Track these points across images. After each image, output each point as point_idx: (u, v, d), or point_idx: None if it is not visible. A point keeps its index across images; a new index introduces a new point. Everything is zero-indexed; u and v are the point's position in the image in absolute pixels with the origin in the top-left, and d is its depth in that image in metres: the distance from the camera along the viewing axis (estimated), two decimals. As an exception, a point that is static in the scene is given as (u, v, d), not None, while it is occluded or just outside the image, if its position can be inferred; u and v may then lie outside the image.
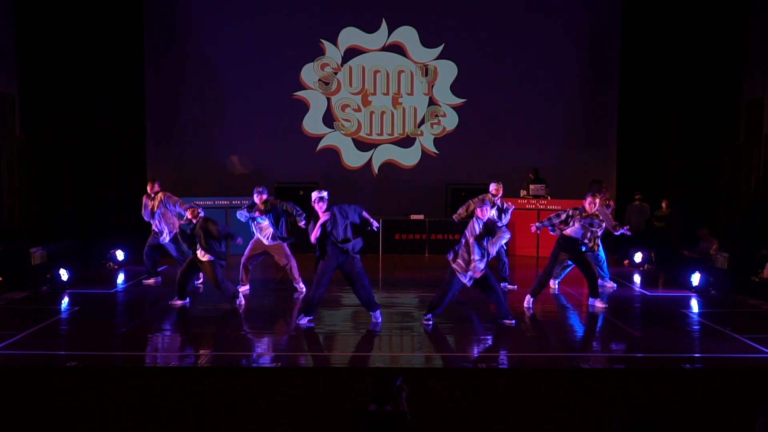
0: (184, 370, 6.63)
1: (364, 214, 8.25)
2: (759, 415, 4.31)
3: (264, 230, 9.87)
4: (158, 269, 10.94)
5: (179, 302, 9.17)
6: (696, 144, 15.10)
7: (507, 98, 15.91)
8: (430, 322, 8.21)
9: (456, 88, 16.00)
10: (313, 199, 8.13)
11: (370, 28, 15.96)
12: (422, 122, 16.10)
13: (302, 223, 9.57)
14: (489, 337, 8.00)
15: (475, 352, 7.50)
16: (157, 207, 10.39)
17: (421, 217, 14.24)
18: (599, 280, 10.00)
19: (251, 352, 7.45)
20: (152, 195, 10.46)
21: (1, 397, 6.27)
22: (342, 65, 15.99)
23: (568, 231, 9.03)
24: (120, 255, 12.22)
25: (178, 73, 15.82)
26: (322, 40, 15.94)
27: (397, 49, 16.00)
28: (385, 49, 16.00)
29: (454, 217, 10.53)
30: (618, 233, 9.63)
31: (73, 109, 14.69)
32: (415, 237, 14.05)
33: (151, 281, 10.65)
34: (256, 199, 9.83)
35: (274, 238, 9.84)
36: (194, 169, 15.74)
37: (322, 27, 15.88)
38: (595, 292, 9.17)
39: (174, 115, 15.92)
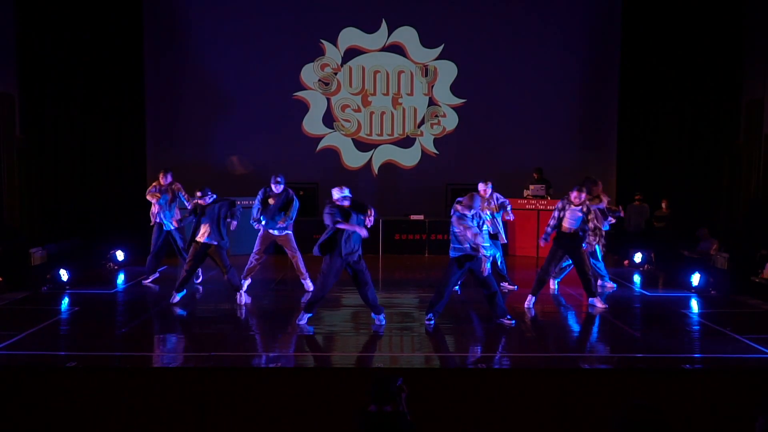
0: (184, 371, 6.63)
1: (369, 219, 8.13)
2: (759, 415, 4.31)
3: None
4: (159, 269, 10.95)
5: (178, 296, 9.18)
6: (696, 144, 15.11)
7: (507, 98, 15.91)
8: (432, 322, 8.21)
9: (456, 89, 16.00)
10: (336, 198, 8.01)
11: (370, 28, 15.97)
12: (422, 122, 16.10)
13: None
14: (489, 337, 8.00)
15: (475, 352, 7.51)
16: (175, 198, 10.56)
17: (421, 217, 14.24)
18: (599, 281, 10.01)
19: (251, 353, 7.44)
20: (165, 186, 10.55)
21: (1, 397, 6.27)
22: (342, 65, 15.99)
23: (565, 225, 9.05)
24: (120, 255, 12.21)
25: (178, 73, 15.82)
26: (322, 41, 15.94)
27: (397, 49, 16.00)
28: (385, 49, 16.00)
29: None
30: (609, 221, 9.59)
31: (73, 109, 14.70)
32: (415, 237, 14.06)
33: (150, 282, 10.65)
34: (276, 188, 9.76)
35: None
36: (194, 169, 15.69)
37: (322, 27, 15.88)
38: (591, 292, 9.16)
39: (174, 115, 15.92)
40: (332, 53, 15.97)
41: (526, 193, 14.04)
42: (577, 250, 9.03)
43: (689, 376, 6.49)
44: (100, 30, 14.85)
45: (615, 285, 10.48)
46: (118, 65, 15.10)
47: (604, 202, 9.66)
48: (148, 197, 10.63)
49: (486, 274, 8.00)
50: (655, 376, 6.49)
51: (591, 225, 9.16)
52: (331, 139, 16.11)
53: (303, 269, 10.07)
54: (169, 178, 10.72)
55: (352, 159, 16.15)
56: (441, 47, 15.92)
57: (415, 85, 16.04)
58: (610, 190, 15.78)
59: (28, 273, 10.90)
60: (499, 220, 10.05)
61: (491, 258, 8.08)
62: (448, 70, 15.98)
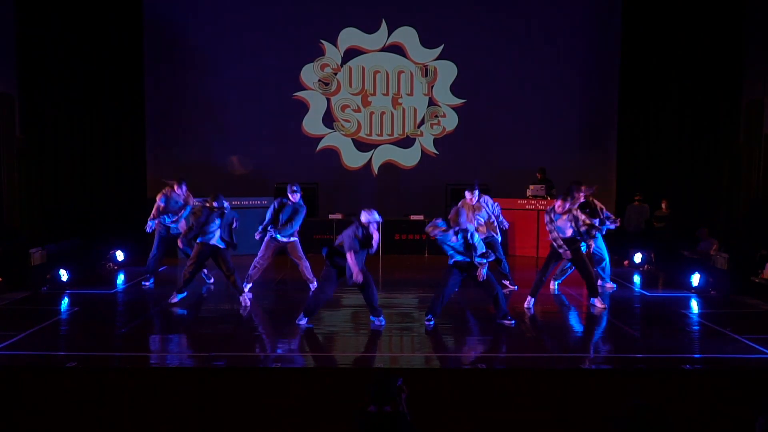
0: (184, 371, 6.63)
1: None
2: (759, 415, 4.32)
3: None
4: (159, 270, 10.94)
5: (178, 296, 9.17)
6: (696, 144, 15.11)
7: (507, 99, 15.92)
8: (431, 322, 8.21)
9: (456, 89, 16.00)
10: (367, 220, 7.88)
11: (370, 28, 15.97)
12: (422, 123, 16.10)
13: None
14: (489, 338, 8.00)
15: (475, 352, 7.51)
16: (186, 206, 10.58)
17: (421, 217, 14.24)
18: (599, 281, 10.01)
19: (251, 353, 7.44)
20: (180, 193, 10.51)
21: (1, 397, 6.27)
22: (342, 66, 15.99)
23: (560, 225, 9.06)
24: (120, 255, 12.21)
25: (178, 73, 15.82)
26: (322, 41, 15.94)
27: (396, 49, 16.00)
28: (384, 49, 16.00)
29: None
30: (603, 230, 9.57)
31: (73, 109, 14.71)
32: (415, 237, 14.06)
33: (149, 283, 10.62)
34: (293, 198, 9.76)
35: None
36: (194, 170, 15.67)
37: (321, 27, 15.88)
38: (594, 292, 9.17)
39: (174, 116, 15.91)
40: (332, 53, 15.97)
41: (528, 192, 14.03)
42: (575, 254, 9.04)
43: (689, 376, 6.49)
44: (100, 30, 14.86)
45: (615, 285, 10.48)
46: (118, 65, 15.10)
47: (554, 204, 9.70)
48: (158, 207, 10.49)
49: (482, 279, 8.04)
50: (655, 376, 6.49)
51: (583, 228, 9.13)
52: (331, 140, 16.11)
53: (310, 275, 10.03)
54: (184, 188, 10.62)
55: (352, 159, 16.15)
56: (441, 47, 15.92)
57: (415, 85, 16.04)
58: (610, 190, 15.81)
59: (27, 273, 10.89)
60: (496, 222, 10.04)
61: (487, 263, 8.09)
62: (448, 71, 15.98)
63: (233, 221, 9.29)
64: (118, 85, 15.16)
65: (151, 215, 10.52)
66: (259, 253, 9.93)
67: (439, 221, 8.19)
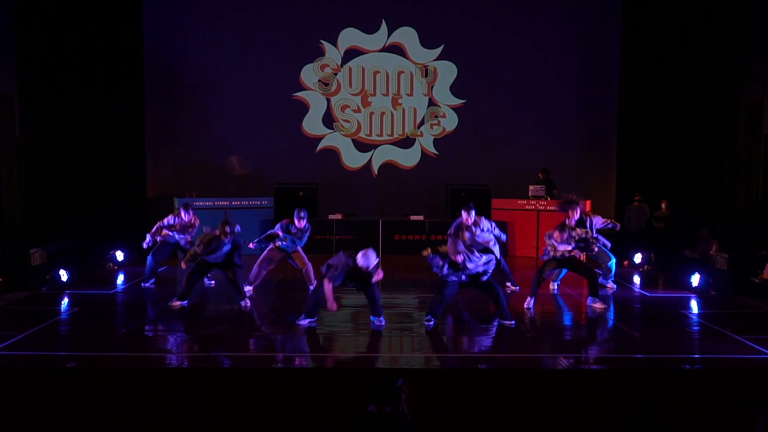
0: (184, 371, 6.63)
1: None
2: (759, 415, 4.32)
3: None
4: (158, 271, 10.93)
5: (178, 303, 9.16)
6: (696, 145, 15.10)
7: (507, 99, 15.92)
8: (431, 322, 8.21)
9: (456, 89, 16.01)
10: (364, 265, 7.70)
11: (370, 28, 15.97)
12: (422, 123, 16.10)
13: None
14: (489, 338, 8.00)
15: (475, 352, 7.50)
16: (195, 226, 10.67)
17: (421, 217, 14.24)
18: (599, 279, 10.01)
19: (251, 353, 7.45)
20: (185, 218, 10.60)
21: (1, 398, 6.27)
22: (342, 66, 16.00)
23: (559, 250, 9.14)
24: (120, 256, 12.22)
25: (178, 73, 15.82)
26: (322, 41, 15.94)
27: (396, 49, 16.00)
28: (384, 49, 16.01)
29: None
30: (600, 243, 9.66)
31: (72, 109, 14.70)
32: (415, 238, 14.05)
33: (148, 285, 10.62)
34: (299, 224, 9.86)
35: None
36: (194, 170, 15.73)
37: (321, 28, 15.89)
38: (595, 292, 9.19)
39: (174, 116, 15.91)
40: (332, 54, 15.97)
41: (529, 192, 14.03)
42: (572, 260, 9.11)
43: (689, 376, 6.49)
44: (99, 30, 14.87)
45: (615, 286, 10.48)
46: (118, 65, 15.11)
47: (597, 220, 9.74)
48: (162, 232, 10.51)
49: (484, 279, 8.08)
50: (655, 376, 6.50)
51: (582, 244, 9.20)
52: (331, 140, 16.11)
53: (313, 278, 10.09)
54: (191, 213, 10.67)
55: (352, 159, 16.15)
56: (441, 48, 15.93)
57: (414, 85, 16.04)
58: (609, 191, 15.83)
59: (27, 273, 10.89)
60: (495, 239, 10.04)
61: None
62: (448, 71, 15.98)
63: (242, 244, 9.24)
64: (118, 85, 15.17)
65: (152, 231, 10.52)
66: (261, 257, 9.98)
67: (435, 263, 8.13)
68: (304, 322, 8.15)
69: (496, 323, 8.29)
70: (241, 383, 6.37)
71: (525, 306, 9.17)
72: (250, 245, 9.86)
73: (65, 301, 9.56)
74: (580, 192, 13.88)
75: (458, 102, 16.01)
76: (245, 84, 15.84)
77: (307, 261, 10.15)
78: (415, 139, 16.13)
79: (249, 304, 9.22)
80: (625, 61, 15.46)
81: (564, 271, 10.09)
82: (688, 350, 7.49)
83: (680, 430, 6.06)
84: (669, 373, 6.57)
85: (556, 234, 9.14)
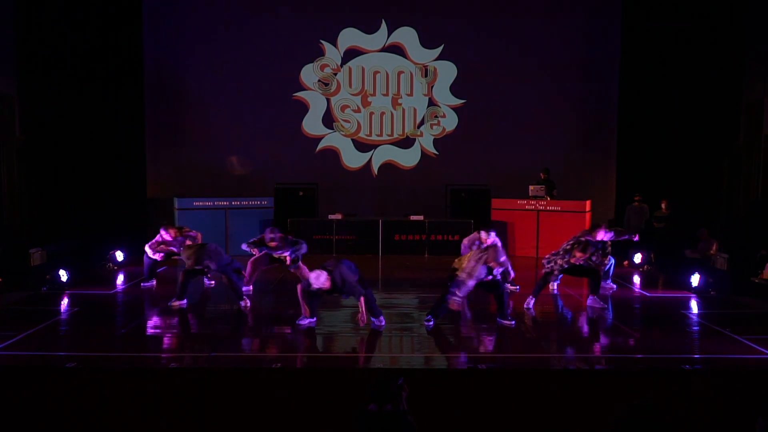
0: (184, 371, 6.62)
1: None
2: (759, 415, 4.32)
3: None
4: (156, 271, 10.92)
5: (177, 303, 9.17)
6: (696, 145, 15.11)
7: (506, 99, 15.93)
8: (431, 323, 8.21)
9: (455, 89, 16.01)
10: (313, 285, 7.77)
11: (370, 28, 15.97)
12: (422, 123, 16.11)
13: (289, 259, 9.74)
14: (489, 338, 8.00)
15: (475, 352, 7.50)
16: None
17: (421, 217, 14.24)
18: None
19: (251, 353, 7.45)
20: (169, 238, 10.44)
21: (1, 398, 6.27)
22: (342, 66, 16.00)
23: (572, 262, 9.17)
24: (119, 256, 12.21)
25: (178, 74, 15.83)
26: (322, 41, 15.95)
27: (396, 49, 16.00)
28: (384, 49, 16.01)
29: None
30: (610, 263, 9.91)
31: (72, 109, 14.71)
32: (415, 238, 14.05)
33: (149, 285, 10.62)
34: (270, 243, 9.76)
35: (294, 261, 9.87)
36: (194, 170, 15.74)
37: (321, 28, 15.89)
38: (596, 290, 9.20)
39: (174, 116, 15.92)
40: (332, 54, 15.97)
41: (529, 192, 14.03)
42: (577, 266, 9.13)
43: (689, 376, 6.49)
44: (99, 30, 14.88)
45: (615, 286, 10.48)
46: (118, 65, 15.12)
47: (600, 233, 9.75)
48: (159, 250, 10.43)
49: (489, 278, 8.09)
50: (655, 376, 6.49)
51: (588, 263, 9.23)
52: (331, 140, 16.11)
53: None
54: (172, 232, 10.44)
55: (352, 159, 16.15)
56: (441, 48, 15.93)
57: (414, 85, 16.04)
58: (609, 191, 15.84)
59: (27, 273, 10.90)
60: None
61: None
62: (447, 71, 15.99)
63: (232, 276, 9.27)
64: (118, 86, 15.17)
65: (151, 245, 10.43)
66: (257, 259, 9.97)
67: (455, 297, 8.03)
68: (304, 322, 8.15)
69: (496, 323, 8.29)
70: (241, 383, 6.37)
71: (525, 306, 9.17)
72: (243, 246, 9.90)
73: (65, 301, 9.55)
74: (580, 192, 13.96)
75: (458, 102, 16.01)
76: (245, 84, 15.85)
77: (307, 275, 10.01)
78: (415, 139, 16.14)
79: (248, 304, 9.22)
80: (625, 61, 15.46)
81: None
82: (688, 350, 7.48)
83: (680, 430, 6.06)
84: (669, 373, 6.57)
85: (578, 254, 8.96)
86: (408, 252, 13.93)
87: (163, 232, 10.42)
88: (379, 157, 16.18)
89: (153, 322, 8.78)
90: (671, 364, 6.86)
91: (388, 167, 16.18)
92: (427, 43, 15.95)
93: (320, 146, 16.11)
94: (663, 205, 14.21)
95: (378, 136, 16.15)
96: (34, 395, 6.28)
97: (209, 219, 13.33)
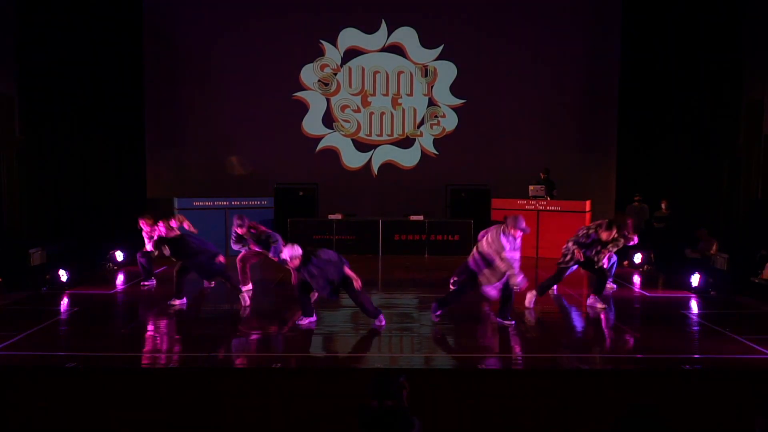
0: (184, 371, 6.63)
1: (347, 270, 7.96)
2: (759, 415, 4.32)
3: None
4: (155, 271, 10.92)
5: (177, 302, 9.17)
6: (696, 145, 15.12)
7: (506, 99, 15.93)
8: (438, 312, 8.29)
9: (455, 89, 16.01)
10: (285, 259, 7.96)
11: (370, 28, 15.98)
12: (422, 123, 16.11)
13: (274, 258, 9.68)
14: (489, 338, 8.00)
15: (475, 352, 7.50)
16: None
17: (421, 218, 14.24)
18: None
19: (251, 353, 7.45)
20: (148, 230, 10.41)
21: (1, 398, 6.27)
22: (341, 66, 16.00)
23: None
24: (119, 256, 12.21)
25: (177, 74, 15.83)
26: (322, 41, 15.95)
27: (396, 49, 16.01)
28: (384, 49, 16.01)
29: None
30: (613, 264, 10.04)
31: (72, 110, 14.71)
32: (415, 238, 14.05)
33: (148, 284, 10.62)
34: (239, 231, 9.72)
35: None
36: (194, 170, 15.75)
37: (321, 28, 15.90)
38: (600, 291, 9.21)
39: (174, 116, 15.93)
40: (332, 54, 15.98)
41: (529, 192, 14.03)
42: (588, 262, 9.14)
43: (689, 376, 6.49)
44: (99, 30, 14.89)
45: (615, 286, 10.48)
46: (118, 65, 15.12)
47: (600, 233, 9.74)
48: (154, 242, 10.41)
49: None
50: (655, 376, 6.49)
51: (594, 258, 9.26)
52: (331, 140, 16.12)
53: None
54: (148, 224, 10.35)
55: (352, 159, 16.16)
56: (441, 47, 15.93)
57: (414, 85, 16.05)
58: (609, 191, 15.84)
59: (27, 273, 10.89)
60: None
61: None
62: (447, 71, 15.99)
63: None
64: (117, 86, 15.18)
65: (147, 240, 10.43)
66: (243, 256, 9.96)
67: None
68: (304, 322, 8.16)
69: (496, 323, 8.29)
70: (241, 383, 6.37)
71: (526, 303, 9.17)
72: (232, 245, 9.93)
73: (65, 301, 9.56)
74: (580, 192, 13.95)
75: (458, 102, 16.02)
76: (245, 84, 15.85)
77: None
78: (415, 139, 16.14)
79: (248, 299, 9.23)
80: (625, 61, 15.46)
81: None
82: (688, 350, 7.48)
83: (680, 430, 6.06)
84: (669, 373, 6.57)
85: (604, 234, 9.00)
86: (408, 252, 13.93)
87: (141, 222, 10.41)
88: (379, 157, 16.19)
89: (153, 322, 8.78)
90: (671, 364, 6.86)
91: (388, 167, 16.19)
92: (427, 43, 15.95)
93: (320, 146, 16.11)
94: (663, 205, 14.22)
95: (378, 136, 16.15)
96: (34, 395, 6.28)
97: (209, 219, 13.32)
